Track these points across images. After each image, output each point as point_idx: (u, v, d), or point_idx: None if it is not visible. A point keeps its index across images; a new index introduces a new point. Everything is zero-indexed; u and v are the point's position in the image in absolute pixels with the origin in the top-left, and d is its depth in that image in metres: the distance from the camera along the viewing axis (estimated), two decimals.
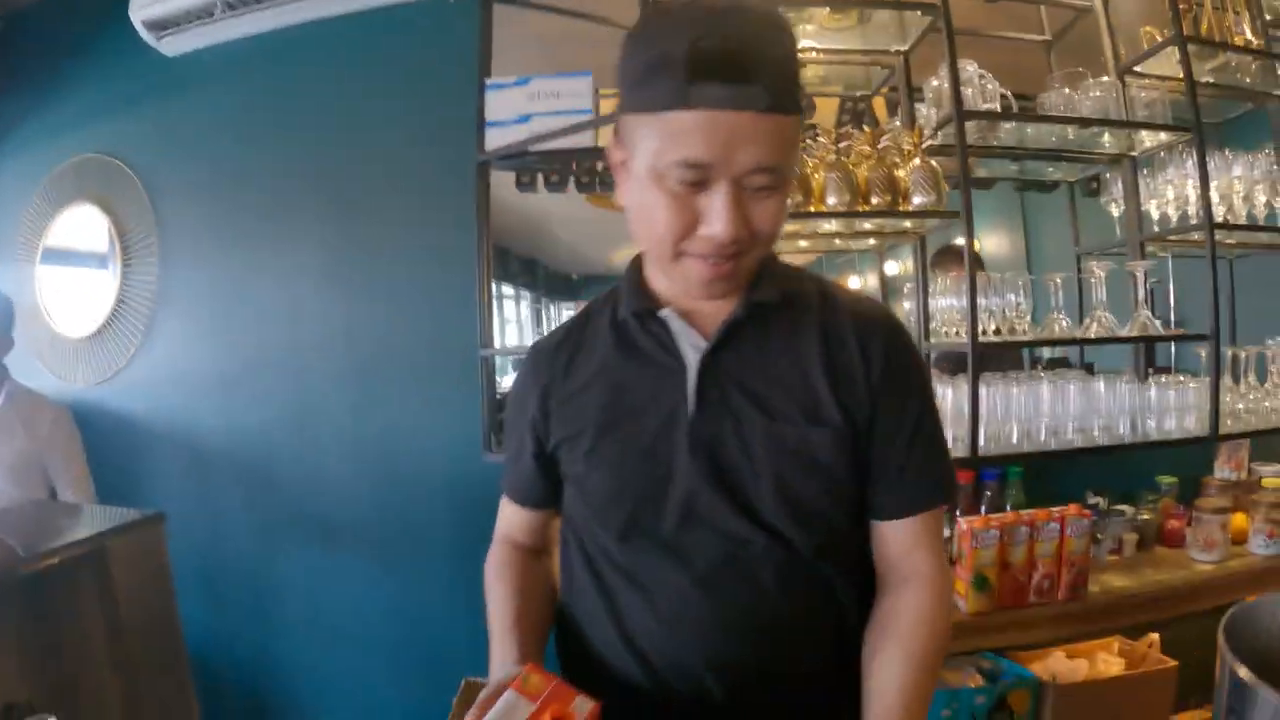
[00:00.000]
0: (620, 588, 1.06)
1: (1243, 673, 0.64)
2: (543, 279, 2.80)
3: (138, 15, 2.73)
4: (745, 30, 0.85)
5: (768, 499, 1.00)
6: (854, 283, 2.91)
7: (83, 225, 3.14)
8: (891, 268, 2.74)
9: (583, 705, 0.88)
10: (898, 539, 1.06)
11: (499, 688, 0.90)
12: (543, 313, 2.82)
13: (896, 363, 1.03)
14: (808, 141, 2.25)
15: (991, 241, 2.73)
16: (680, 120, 0.85)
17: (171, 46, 2.88)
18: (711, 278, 0.95)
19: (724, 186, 0.88)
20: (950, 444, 2.22)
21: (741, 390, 1.01)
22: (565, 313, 2.65)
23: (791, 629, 1.03)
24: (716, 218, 0.89)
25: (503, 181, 2.53)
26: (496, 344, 2.53)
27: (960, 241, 2.26)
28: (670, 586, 1.03)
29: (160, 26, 2.79)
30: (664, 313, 1.04)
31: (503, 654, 1.06)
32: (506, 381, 2.66)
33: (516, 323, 2.79)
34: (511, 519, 1.24)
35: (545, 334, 1.21)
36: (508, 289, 2.68)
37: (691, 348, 1.03)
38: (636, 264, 1.11)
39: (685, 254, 0.94)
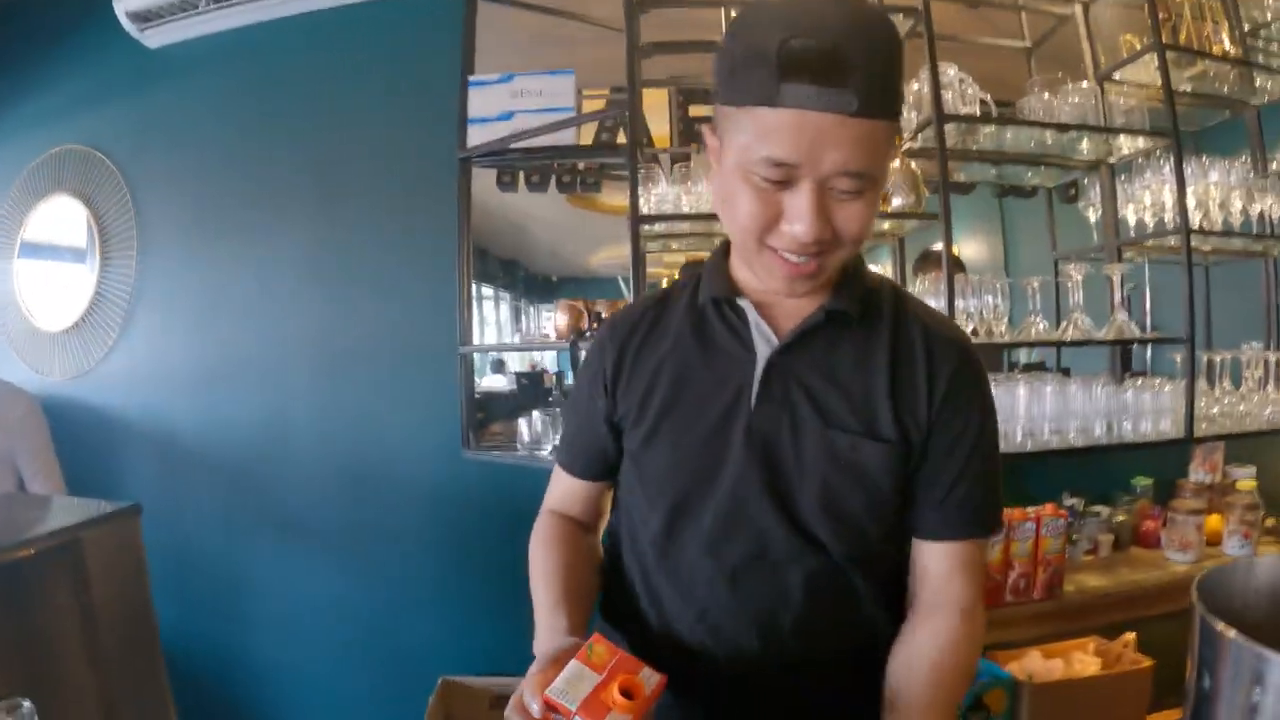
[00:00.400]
0: (657, 571, 1.08)
1: (1220, 627, 0.65)
2: (522, 280, 2.80)
3: (121, 6, 2.72)
4: (840, 30, 0.83)
5: (809, 503, 1.00)
6: None
7: (61, 217, 3.11)
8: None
9: (650, 677, 0.88)
10: (937, 561, 1.06)
11: (559, 656, 0.89)
12: (522, 313, 2.82)
13: (961, 386, 1.03)
14: None
15: (970, 246, 2.75)
16: (768, 118, 0.85)
17: (154, 38, 2.87)
18: (793, 275, 0.95)
19: (808, 186, 0.87)
20: None
21: (805, 392, 1.01)
22: (545, 314, 2.65)
23: (816, 634, 1.03)
24: (798, 217, 0.89)
25: (484, 184, 2.53)
26: (475, 342, 2.52)
27: (939, 247, 2.27)
28: (702, 576, 1.04)
29: (144, 18, 2.78)
30: (742, 302, 1.05)
31: (552, 624, 1.05)
32: (485, 380, 2.66)
33: (495, 323, 2.79)
34: (566, 491, 1.24)
35: (623, 308, 1.21)
36: (487, 290, 2.68)
37: (764, 341, 1.03)
38: (724, 250, 1.11)
39: (768, 248, 0.94)
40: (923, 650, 1.02)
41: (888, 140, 0.89)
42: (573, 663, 0.86)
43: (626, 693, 0.84)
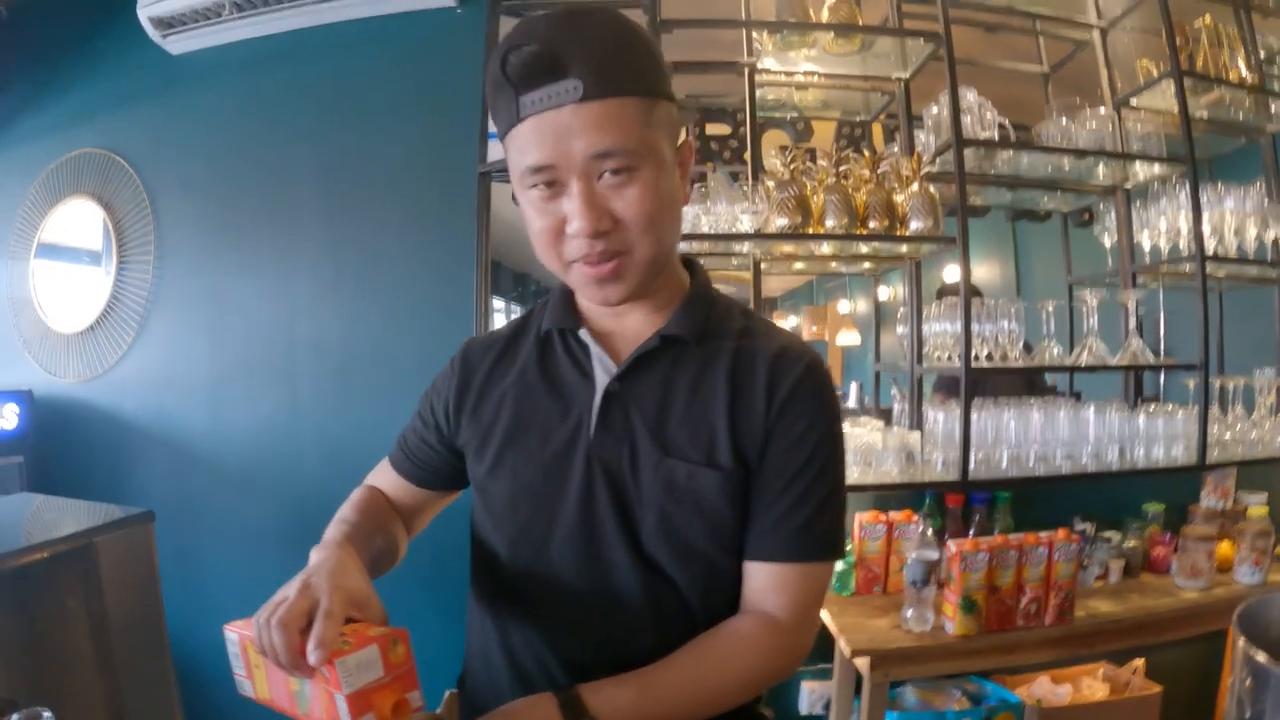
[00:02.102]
0: (506, 599, 1.06)
1: (1260, 657, 0.65)
2: (534, 294, 2.81)
3: (145, 12, 2.73)
4: (549, 30, 0.86)
5: (651, 533, 0.98)
6: (844, 307, 2.93)
7: (79, 220, 3.12)
8: (883, 293, 2.77)
9: (415, 700, 0.83)
10: (755, 580, 1.00)
11: (367, 636, 0.82)
12: None
13: (799, 401, 0.99)
14: (807, 164, 2.27)
15: (982, 270, 2.76)
16: (518, 133, 0.89)
17: (177, 45, 2.88)
18: (595, 278, 0.94)
19: (574, 184, 0.89)
20: (940, 468, 2.28)
21: (643, 420, 0.99)
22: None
23: (656, 656, 0.98)
24: (574, 214, 0.89)
25: (501, 198, 2.54)
26: None
27: (953, 274, 2.28)
28: (550, 607, 1.02)
29: (167, 24, 2.79)
30: (582, 333, 1.04)
31: (332, 535, 1.02)
32: None
33: None
34: (385, 480, 1.23)
35: (484, 334, 1.21)
36: (498, 302, 2.69)
37: (603, 370, 1.02)
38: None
39: (570, 264, 0.95)
40: (705, 637, 0.98)
41: (639, 116, 0.89)
42: (373, 649, 0.80)
43: (396, 707, 0.80)
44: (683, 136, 0.99)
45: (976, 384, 2.26)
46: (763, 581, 1.00)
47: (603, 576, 0.99)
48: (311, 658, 0.78)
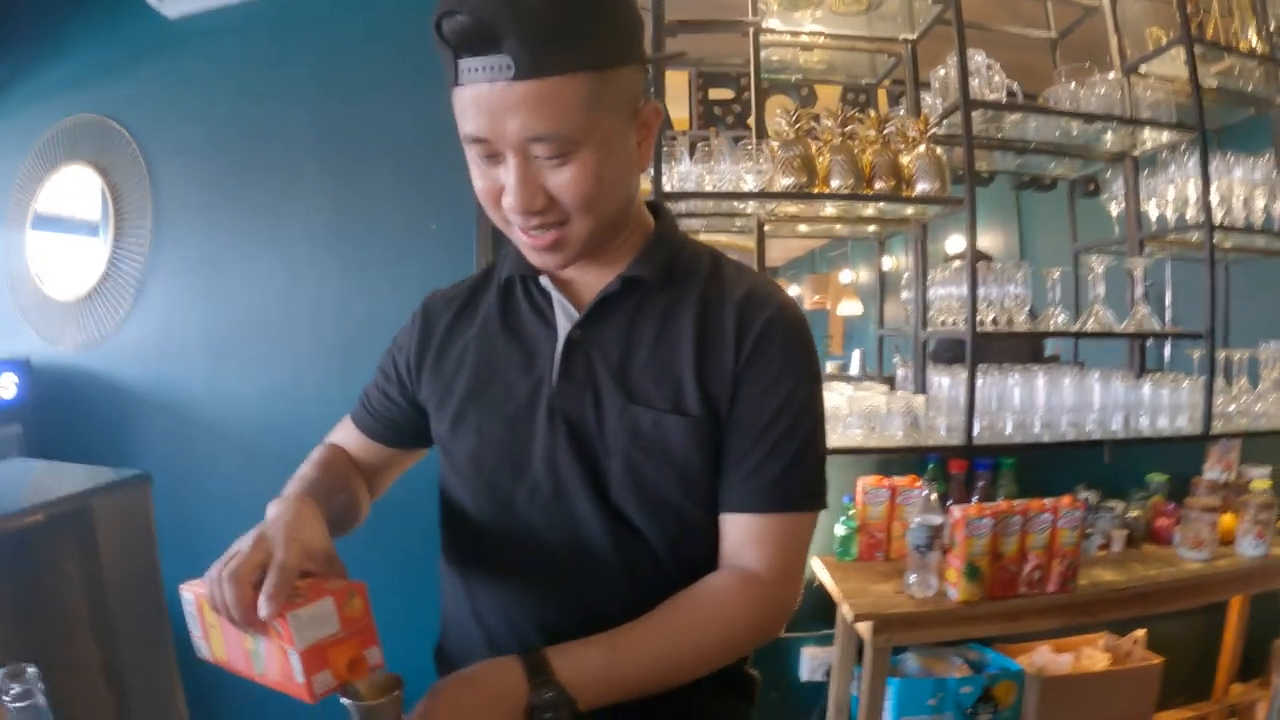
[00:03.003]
0: (475, 560, 1.03)
1: None
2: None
3: None
4: None
5: (618, 483, 0.94)
6: (845, 276, 2.92)
7: (75, 187, 3.09)
8: (886, 263, 2.75)
9: (373, 656, 0.80)
10: (730, 532, 0.96)
11: (322, 589, 0.79)
12: None
13: (771, 345, 0.95)
14: (813, 124, 2.25)
15: (986, 239, 2.74)
16: (457, 97, 0.83)
17: (173, 8, 2.84)
18: (535, 247, 0.91)
19: (510, 159, 0.84)
20: (944, 433, 2.27)
21: (606, 367, 0.95)
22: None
23: (632, 615, 0.93)
24: (507, 190, 0.85)
25: None
26: None
27: (957, 241, 2.26)
28: (518, 565, 0.99)
29: None
30: (542, 279, 1.01)
31: (293, 490, 1.01)
32: None
33: None
34: (347, 440, 1.21)
35: (446, 287, 1.17)
36: None
37: (565, 317, 0.99)
38: None
39: (509, 223, 0.91)
40: (680, 597, 0.93)
41: (581, 96, 0.81)
42: (328, 602, 0.77)
43: (350, 662, 0.77)
44: (645, 100, 0.92)
45: (980, 350, 2.23)
46: (739, 534, 0.95)
47: (571, 532, 0.96)
48: (262, 610, 0.75)
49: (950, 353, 2.55)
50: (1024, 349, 2.63)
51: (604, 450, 0.94)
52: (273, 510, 0.89)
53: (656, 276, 0.98)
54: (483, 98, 0.80)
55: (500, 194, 0.87)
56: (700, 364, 0.94)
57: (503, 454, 0.98)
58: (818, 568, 2.23)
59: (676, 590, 0.94)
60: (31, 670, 1.12)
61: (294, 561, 0.79)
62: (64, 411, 3.07)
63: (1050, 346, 2.77)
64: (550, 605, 0.97)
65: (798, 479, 0.95)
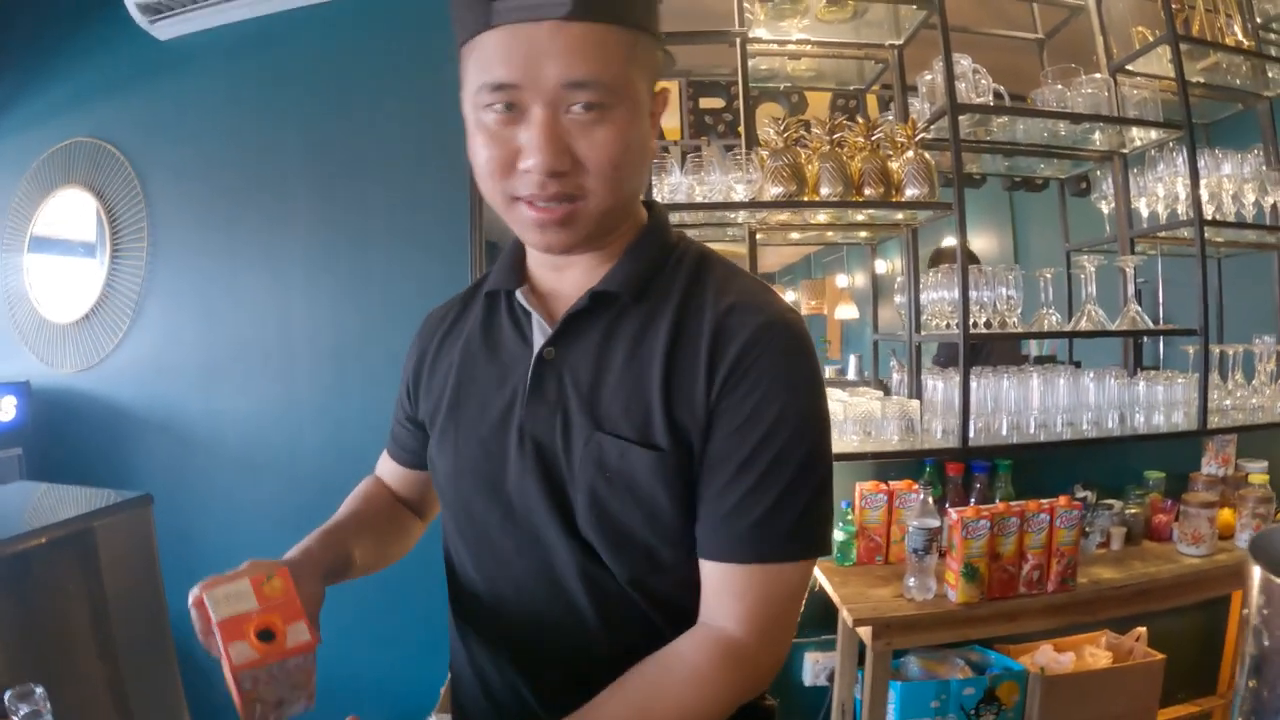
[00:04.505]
0: (461, 588, 1.01)
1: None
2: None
3: None
4: None
5: (583, 515, 0.87)
6: (841, 280, 2.93)
7: (71, 209, 3.11)
8: (880, 266, 2.76)
9: (298, 632, 0.80)
10: (709, 584, 0.87)
11: (242, 573, 0.82)
12: None
13: (750, 369, 0.84)
14: (801, 133, 2.26)
15: (980, 241, 2.75)
16: (484, 42, 0.78)
17: (164, 30, 2.86)
18: (539, 222, 0.83)
19: (538, 112, 0.78)
20: (939, 436, 2.28)
21: (576, 389, 0.88)
22: None
23: (609, 660, 0.86)
24: (531, 147, 0.78)
25: None
26: None
27: (951, 243, 2.27)
28: (495, 583, 0.95)
29: (154, 10, 2.77)
30: (518, 292, 0.95)
31: (299, 544, 0.98)
32: None
33: None
34: (385, 469, 1.21)
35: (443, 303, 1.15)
36: None
37: (541, 334, 0.93)
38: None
39: (516, 201, 0.83)
40: (640, 672, 0.84)
41: (623, 49, 0.79)
42: (245, 581, 0.81)
43: (267, 634, 0.79)
44: (661, 84, 0.89)
45: (976, 351, 2.24)
46: (715, 585, 0.86)
47: (543, 560, 0.90)
48: (192, 592, 0.80)
49: (948, 356, 2.56)
50: (1016, 350, 2.64)
51: (570, 478, 0.87)
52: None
53: (631, 290, 0.89)
54: (521, 37, 0.76)
55: (513, 159, 0.80)
56: (668, 390, 0.85)
57: (478, 475, 0.94)
58: (817, 573, 2.24)
59: (650, 629, 0.88)
60: (39, 690, 1.13)
61: (243, 569, 0.82)
62: (63, 433, 3.08)
63: (1046, 347, 2.77)
64: (524, 637, 0.94)
65: (784, 522, 0.83)
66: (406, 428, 1.12)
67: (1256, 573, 0.66)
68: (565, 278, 0.94)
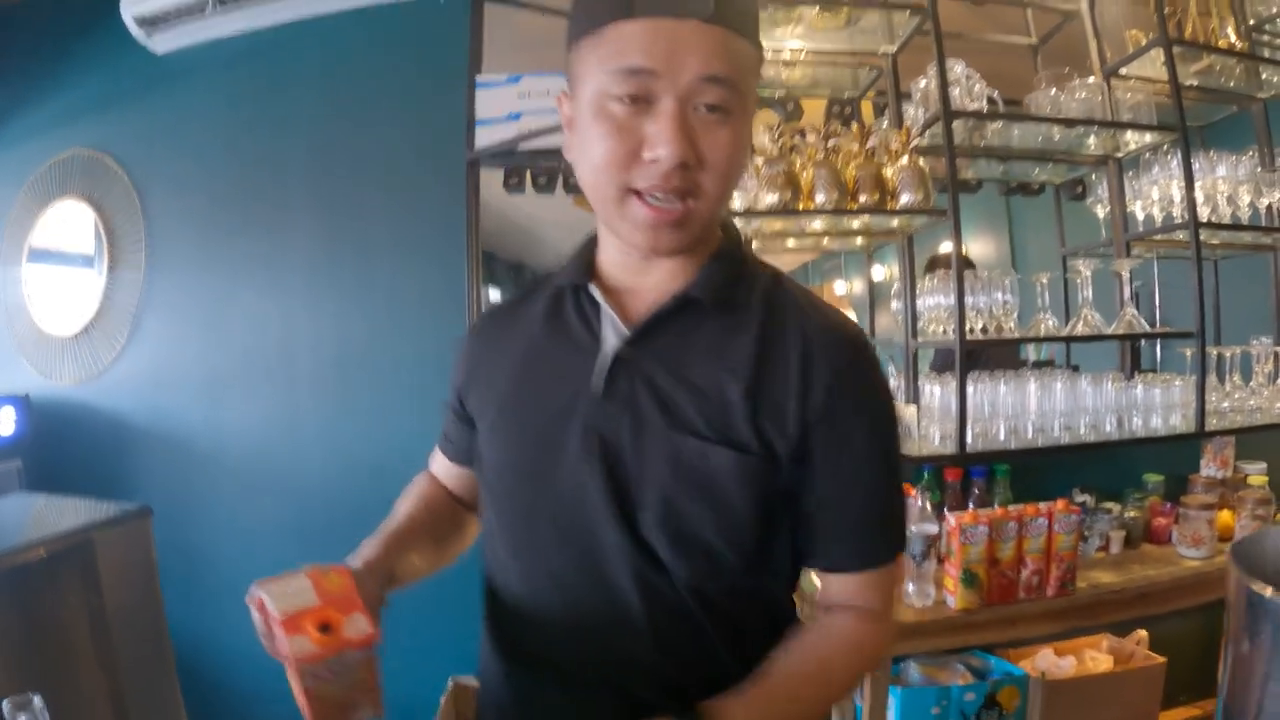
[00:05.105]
0: (500, 576, 1.00)
1: (1258, 587, 0.65)
2: (528, 283, 2.80)
3: (129, 11, 2.72)
4: None
5: (650, 516, 0.88)
6: (840, 287, 2.93)
7: (70, 222, 3.12)
8: (877, 272, 2.76)
9: (358, 625, 0.81)
10: (837, 591, 0.96)
11: (300, 571, 0.84)
12: None
13: (848, 387, 0.90)
14: (796, 141, 2.27)
15: (977, 246, 2.75)
16: (621, 30, 0.80)
17: (162, 43, 2.87)
18: (656, 221, 0.85)
19: (669, 104, 0.81)
20: (936, 441, 2.28)
21: (651, 389, 0.89)
22: None
23: (657, 672, 0.90)
24: (660, 137, 0.81)
25: (491, 187, 2.53)
26: None
27: (947, 249, 2.27)
28: (539, 586, 0.94)
29: (151, 23, 2.78)
30: (593, 289, 0.95)
31: (358, 552, 0.98)
32: None
33: None
34: (439, 466, 1.20)
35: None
36: (494, 292, 2.68)
37: (614, 332, 0.93)
38: (592, 235, 1.02)
39: (630, 194, 0.85)
40: (808, 638, 0.93)
41: (749, 61, 0.84)
42: (303, 577, 0.82)
43: (326, 627, 0.80)
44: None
45: (973, 357, 2.25)
46: (845, 590, 0.95)
47: (591, 559, 0.91)
48: (252, 591, 0.82)
49: (945, 362, 2.56)
50: (1015, 355, 2.64)
51: (638, 477, 0.89)
52: None
53: (714, 298, 0.92)
54: (665, 29, 0.80)
55: (636, 150, 0.82)
56: (755, 397, 0.88)
57: (529, 470, 0.94)
58: (817, 580, 2.23)
59: (701, 639, 0.91)
60: (37, 700, 1.14)
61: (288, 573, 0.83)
62: (63, 445, 3.09)
63: (1044, 351, 2.77)
64: (564, 634, 0.93)
65: (894, 526, 0.96)
66: (458, 423, 1.11)
67: (1234, 578, 0.67)
68: (645, 279, 0.96)
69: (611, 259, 0.97)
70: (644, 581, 0.89)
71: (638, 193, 0.84)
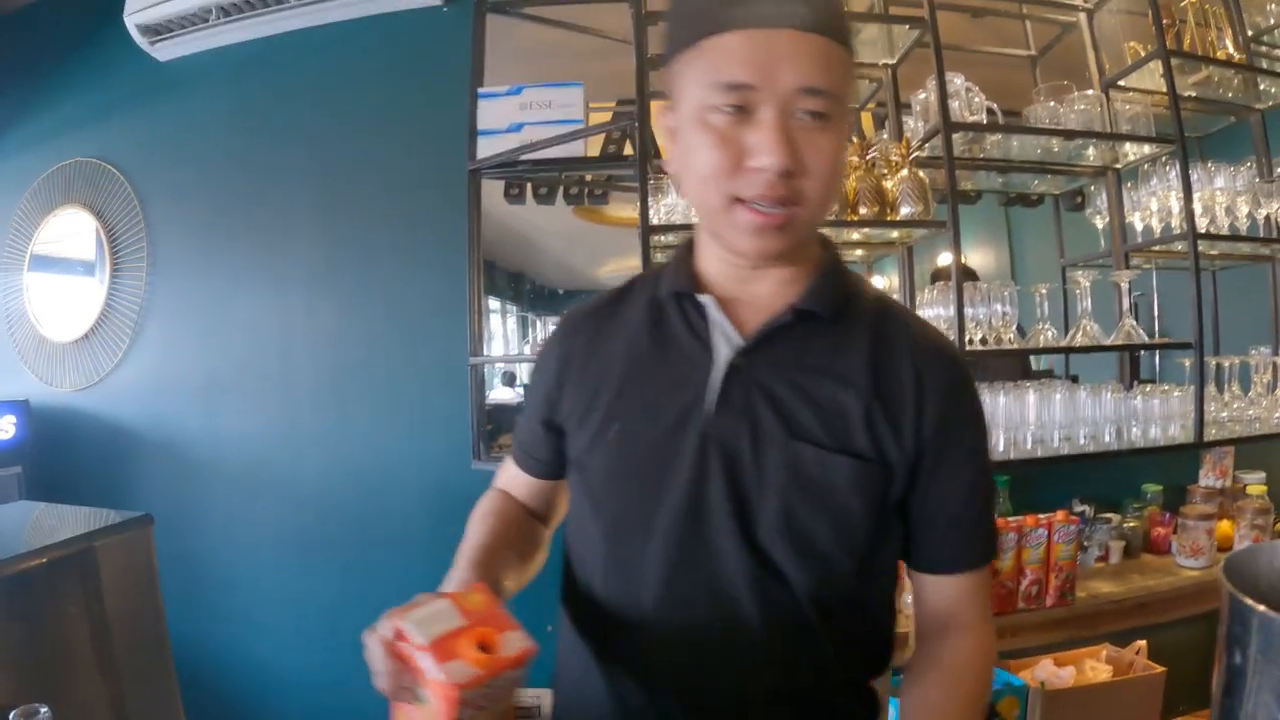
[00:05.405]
0: (598, 585, 0.98)
1: (1250, 603, 0.65)
2: (529, 293, 2.81)
3: (132, 20, 2.74)
4: None
5: (768, 524, 0.90)
6: None
7: (71, 229, 3.13)
8: (877, 284, 2.77)
9: (515, 640, 0.78)
10: (945, 593, 0.99)
11: (433, 596, 0.80)
12: (529, 326, 2.83)
13: (959, 404, 0.95)
14: None
15: (977, 256, 2.76)
16: (718, 44, 0.82)
17: (165, 51, 2.89)
18: (762, 225, 0.85)
19: (770, 113, 0.82)
20: None
21: (768, 398, 0.91)
22: (552, 327, 2.64)
23: (767, 672, 0.93)
24: (763, 147, 0.81)
25: (492, 196, 2.53)
26: (485, 353, 2.53)
27: (947, 260, 2.28)
28: (647, 596, 0.93)
29: (154, 31, 2.80)
30: (704, 298, 0.95)
31: (457, 578, 0.95)
32: (492, 393, 2.66)
33: (503, 336, 2.79)
34: (511, 478, 1.16)
35: (583, 303, 1.11)
36: (494, 302, 2.68)
37: (725, 342, 0.93)
38: (689, 243, 1.02)
39: (735, 202, 0.86)
40: (936, 665, 0.97)
41: (844, 68, 0.85)
42: (442, 599, 0.78)
43: (483, 647, 0.75)
44: None
45: (973, 368, 2.25)
46: (957, 592, 0.99)
47: (707, 569, 0.91)
48: (379, 630, 0.77)
49: None
50: (1015, 365, 2.64)
51: (758, 486, 0.90)
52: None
53: (829, 309, 0.94)
54: (762, 40, 0.81)
55: (740, 160, 0.83)
56: (871, 409, 0.91)
57: (643, 479, 0.94)
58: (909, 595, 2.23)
59: (812, 647, 0.93)
60: (44, 710, 1.14)
61: (407, 603, 0.79)
62: (63, 452, 3.09)
63: (1043, 362, 2.78)
64: (682, 654, 0.93)
65: (993, 529, 1.02)
66: (544, 436, 1.07)
67: (1226, 592, 0.68)
68: (753, 288, 0.96)
69: (717, 268, 0.98)
70: (761, 589, 0.90)
71: (742, 200, 0.86)
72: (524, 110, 2.38)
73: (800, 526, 0.90)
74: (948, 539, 0.97)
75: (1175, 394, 2.39)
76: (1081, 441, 2.32)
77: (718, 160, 0.84)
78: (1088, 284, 2.32)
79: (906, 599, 1.97)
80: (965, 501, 0.96)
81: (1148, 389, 2.43)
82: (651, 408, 0.95)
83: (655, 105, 2.28)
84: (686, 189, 0.92)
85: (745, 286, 0.96)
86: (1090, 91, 2.49)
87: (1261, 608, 0.65)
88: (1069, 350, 2.42)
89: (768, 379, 0.92)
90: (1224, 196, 2.47)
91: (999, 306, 2.25)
